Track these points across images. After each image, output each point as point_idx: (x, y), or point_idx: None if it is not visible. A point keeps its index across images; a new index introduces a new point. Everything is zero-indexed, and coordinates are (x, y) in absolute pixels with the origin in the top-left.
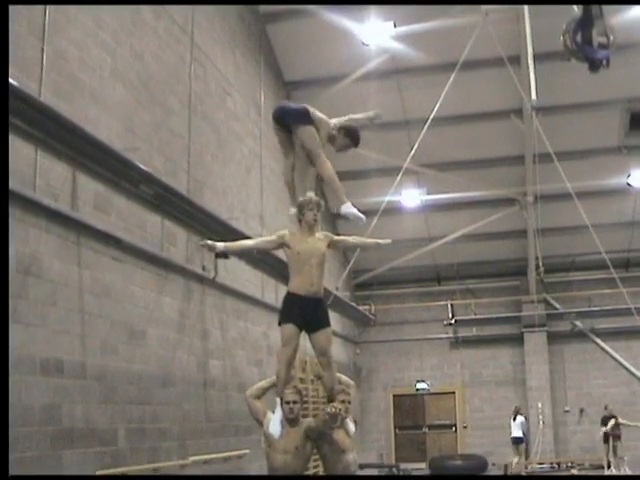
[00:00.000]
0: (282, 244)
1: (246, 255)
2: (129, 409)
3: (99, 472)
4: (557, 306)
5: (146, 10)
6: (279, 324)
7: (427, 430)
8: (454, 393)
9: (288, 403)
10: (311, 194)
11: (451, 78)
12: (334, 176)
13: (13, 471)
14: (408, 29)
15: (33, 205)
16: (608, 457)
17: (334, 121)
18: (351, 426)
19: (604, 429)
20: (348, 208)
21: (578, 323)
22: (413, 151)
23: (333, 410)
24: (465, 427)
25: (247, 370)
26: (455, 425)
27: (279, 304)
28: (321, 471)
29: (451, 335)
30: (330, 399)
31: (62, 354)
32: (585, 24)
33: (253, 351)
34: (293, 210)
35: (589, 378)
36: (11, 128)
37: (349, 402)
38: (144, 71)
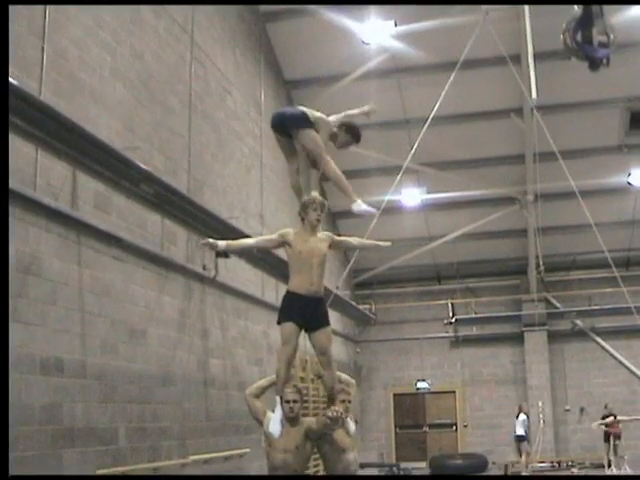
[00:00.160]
0: (284, 243)
1: (247, 254)
2: (129, 408)
3: (99, 471)
4: (557, 305)
5: (146, 9)
6: (278, 323)
7: (427, 429)
8: (454, 392)
9: (288, 402)
10: (315, 194)
11: (451, 77)
12: (341, 175)
13: (13, 470)
14: (408, 28)
15: (33, 204)
16: (609, 456)
17: (332, 119)
18: (351, 425)
19: (595, 424)
20: (359, 206)
21: (578, 322)
22: (413, 150)
23: (334, 414)
24: (465, 426)
25: (247, 369)
26: (455, 424)
27: (279, 303)
28: (321, 470)
29: (451, 334)
30: (330, 398)
31: (62, 353)
32: (585, 23)
33: (253, 350)
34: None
35: (589, 377)
36: (11, 127)
37: (349, 401)
38: (144, 70)
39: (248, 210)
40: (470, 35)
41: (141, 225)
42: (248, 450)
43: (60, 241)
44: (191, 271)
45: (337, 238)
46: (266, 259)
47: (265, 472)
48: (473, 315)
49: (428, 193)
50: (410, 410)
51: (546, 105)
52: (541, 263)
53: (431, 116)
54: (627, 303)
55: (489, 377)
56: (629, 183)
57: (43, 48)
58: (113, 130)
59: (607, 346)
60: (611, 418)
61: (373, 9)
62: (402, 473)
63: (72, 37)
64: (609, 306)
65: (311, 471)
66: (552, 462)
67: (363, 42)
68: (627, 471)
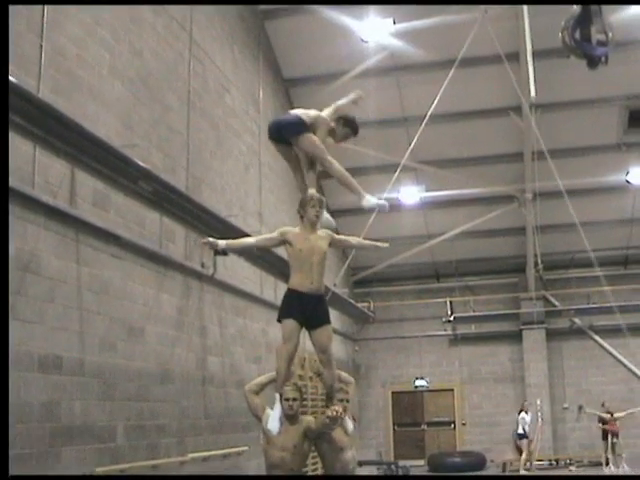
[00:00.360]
0: (283, 241)
1: (246, 252)
2: (128, 406)
3: (98, 469)
4: (556, 303)
5: (145, 7)
6: (279, 320)
7: (426, 427)
8: (453, 390)
9: (288, 400)
10: (313, 191)
11: (450, 75)
12: (346, 174)
13: (11, 468)
14: (407, 26)
15: (32, 202)
16: (607, 454)
17: (325, 113)
18: (350, 424)
19: (590, 410)
20: (369, 202)
21: (577, 320)
22: (411, 148)
23: (334, 414)
24: (464, 424)
25: (246, 367)
26: (454, 422)
27: (278, 301)
28: (320, 469)
29: (450, 332)
30: (329, 396)
31: (61, 351)
32: (584, 21)
33: (252, 348)
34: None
35: (588, 375)
36: (10, 125)
37: (347, 401)
38: (143, 68)
39: (247, 208)
40: (469, 33)
41: (139, 223)
42: (246, 448)
43: (58, 239)
44: (189, 269)
45: (337, 237)
46: (265, 257)
47: (263, 470)
48: (472, 313)
49: (427, 191)
50: (408, 408)
51: (545, 103)
52: (539, 261)
53: (429, 114)
54: (625, 301)
55: (487, 375)
56: (627, 181)
57: (42, 46)
58: (111, 128)
59: (605, 344)
60: (608, 415)
61: (372, 7)
62: (400, 471)
63: (70, 35)
64: (607, 304)
65: (309, 470)
66: (550, 460)
67: (362, 40)
68: (625, 469)
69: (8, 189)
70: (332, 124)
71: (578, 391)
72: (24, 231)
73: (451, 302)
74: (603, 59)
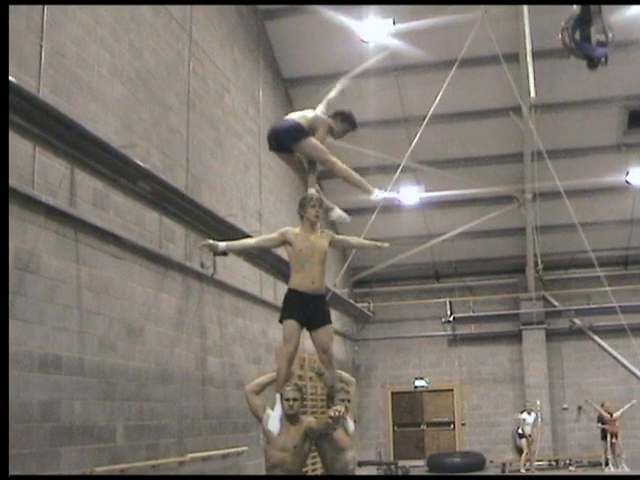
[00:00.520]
0: (284, 241)
1: (247, 253)
2: (127, 406)
3: (98, 469)
4: (555, 304)
5: (144, 6)
6: (280, 321)
7: (425, 427)
8: (452, 390)
9: (288, 400)
10: (312, 191)
11: (450, 75)
12: (350, 171)
13: (11, 468)
14: (407, 26)
15: (31, 202)
16: (606, 455)
17: (319, 111)
18: (350, 424)
19: (590, 404)
20: (377, 196)
21: (576, 321)
22: (411, 148)
23: (336, 414)
24: (463, 424)
25: (245, 367)
26: (453, 422)
27: (278, 301)
28: (320, 469)
29: (449, 332)
30: (330, 396)
31: (60, 351)
32: (584, 22)
33: (251, 348)
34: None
35: (587, 376)
36: (10, 125)
37: (348, 400)
38: (142, 68)
39: (246, 208)
40: (469, 33)
41: (139, 223)
42: (246, 448)
43: (58, 239)
44: (189, 269)
45: (337, 237)
46: (264, 257)
47: (263, 470)
48: (471, 313)
49: (427, 191)
50: (408, 408)
51: (545, 104)
52: (539, 262)
53: (430, 114)
54: (625, 302)
55: (487, 375)
56: (627, 182)
57: (41, 46)
58: (111, 128)
59: (605, 345)
60: (608, 415)
61: (372, 7)
62: (400, 471)
63: (70, 34)
64: (607, 305)
65: (309, 470)
66: (550, 460)
67: (362, 40)
68: (625, 470)
69: (8, 189)
70: (330, 122)
71: (578, 391)
72: (24, 231)
73: (451, 302)
74: (603, 59)
